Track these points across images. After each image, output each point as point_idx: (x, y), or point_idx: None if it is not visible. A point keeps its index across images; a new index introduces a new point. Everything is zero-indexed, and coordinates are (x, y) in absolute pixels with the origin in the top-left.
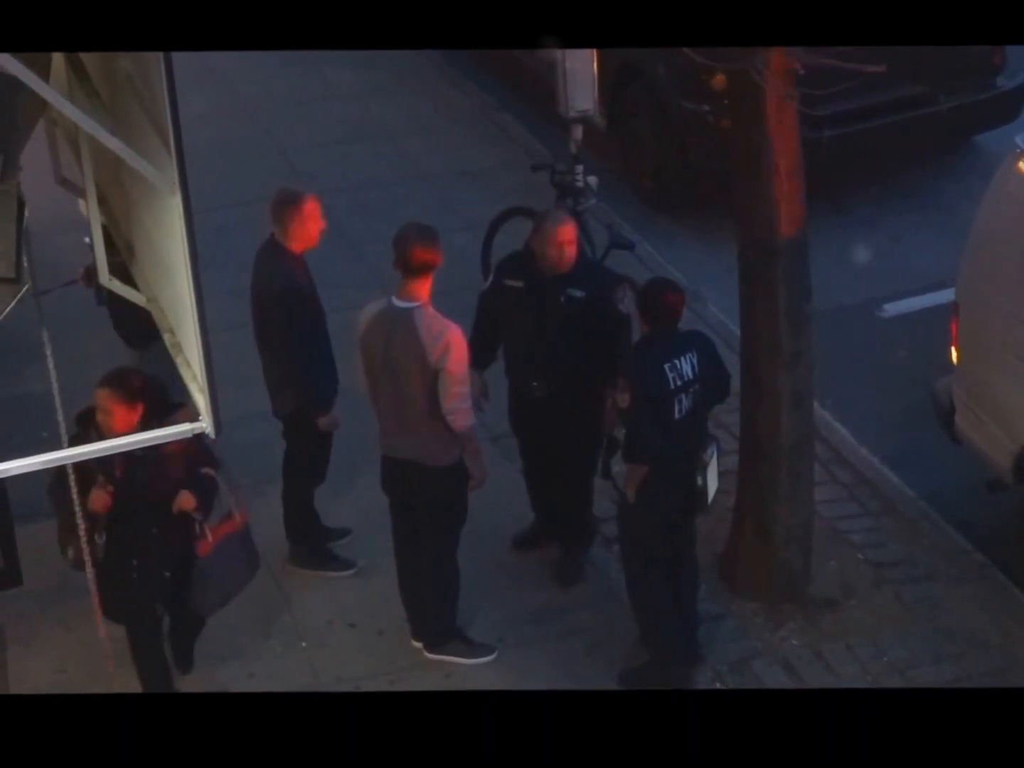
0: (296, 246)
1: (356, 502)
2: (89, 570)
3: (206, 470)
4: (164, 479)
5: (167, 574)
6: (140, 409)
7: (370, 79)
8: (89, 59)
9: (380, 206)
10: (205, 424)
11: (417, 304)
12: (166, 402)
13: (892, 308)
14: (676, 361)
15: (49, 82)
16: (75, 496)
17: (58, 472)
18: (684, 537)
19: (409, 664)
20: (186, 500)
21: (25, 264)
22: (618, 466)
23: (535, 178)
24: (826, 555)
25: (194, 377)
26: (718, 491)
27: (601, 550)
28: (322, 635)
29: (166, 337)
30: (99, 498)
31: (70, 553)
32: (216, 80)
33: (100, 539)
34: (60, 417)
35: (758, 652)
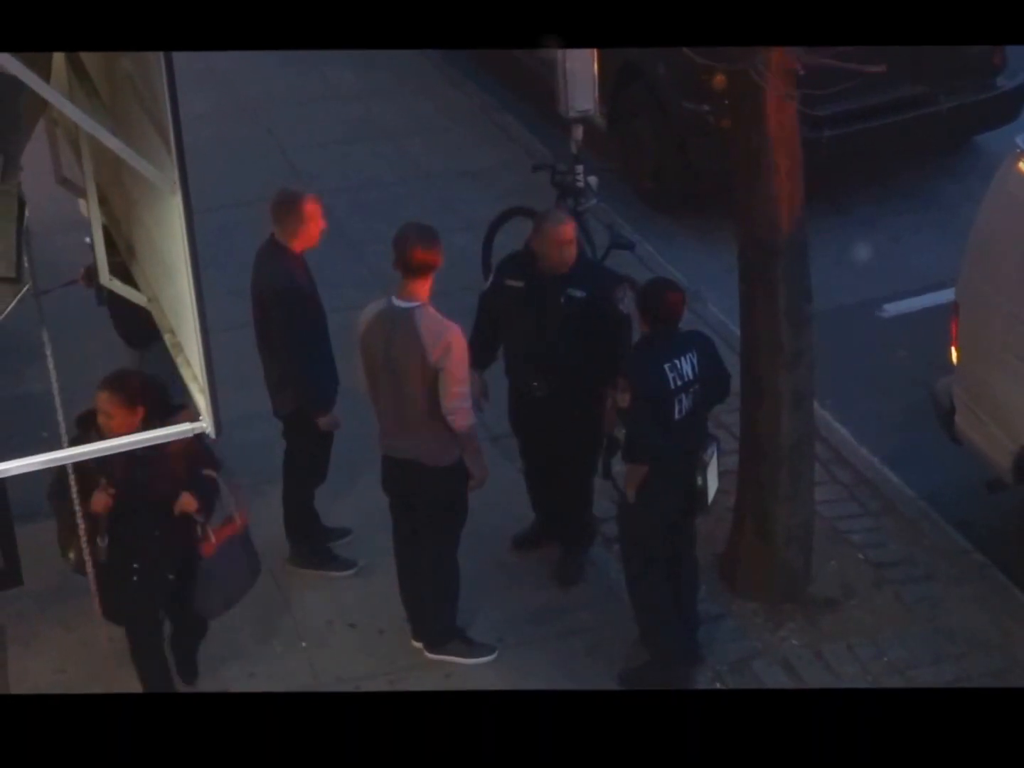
0: (296, 246)
1: (356, 502)
2: (89, 572)
3: (207, 471)
4: (165, 480)
5: (171, 576)
6: (141, 412)
7: (370, 79)
8: (89, 59)
9: (380, 206)
10: (205, 424)
11: (417, 304)
12: (167, 404)
13: (892, 308)
14: (676, 361)
15: (49, 82)
16: (76, 499)
17: (58, 475)
18: (684, 537)
19: (409, 664)
20: (188, 502)
21: (25, 264)
22: (618, 466)
23: (535, 178)
24: (826, 555)
25: (194, 377)
26: (718, 491)
27: (601, 550)
28: (322, 635)
29: (166, 337)
30: (100, 500)
31: (71, 556)
32: (216, 80)
33: (103, 542)
34: (60, 417)
35: (758, 652)
